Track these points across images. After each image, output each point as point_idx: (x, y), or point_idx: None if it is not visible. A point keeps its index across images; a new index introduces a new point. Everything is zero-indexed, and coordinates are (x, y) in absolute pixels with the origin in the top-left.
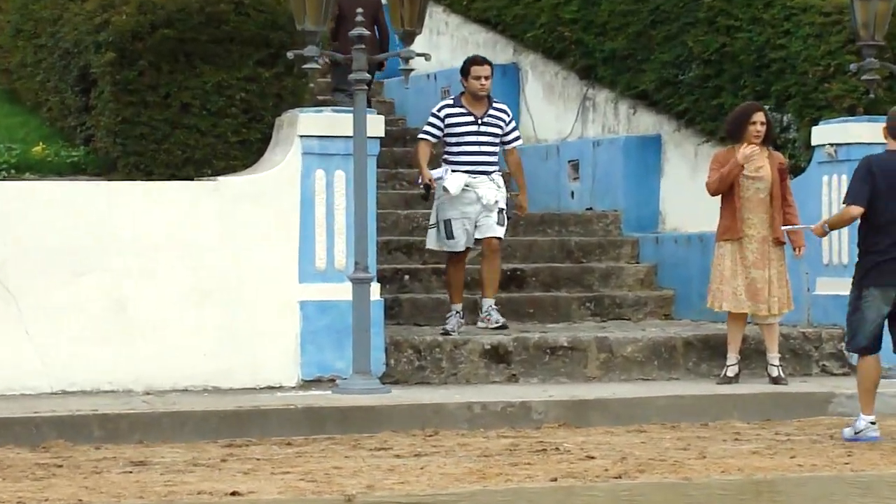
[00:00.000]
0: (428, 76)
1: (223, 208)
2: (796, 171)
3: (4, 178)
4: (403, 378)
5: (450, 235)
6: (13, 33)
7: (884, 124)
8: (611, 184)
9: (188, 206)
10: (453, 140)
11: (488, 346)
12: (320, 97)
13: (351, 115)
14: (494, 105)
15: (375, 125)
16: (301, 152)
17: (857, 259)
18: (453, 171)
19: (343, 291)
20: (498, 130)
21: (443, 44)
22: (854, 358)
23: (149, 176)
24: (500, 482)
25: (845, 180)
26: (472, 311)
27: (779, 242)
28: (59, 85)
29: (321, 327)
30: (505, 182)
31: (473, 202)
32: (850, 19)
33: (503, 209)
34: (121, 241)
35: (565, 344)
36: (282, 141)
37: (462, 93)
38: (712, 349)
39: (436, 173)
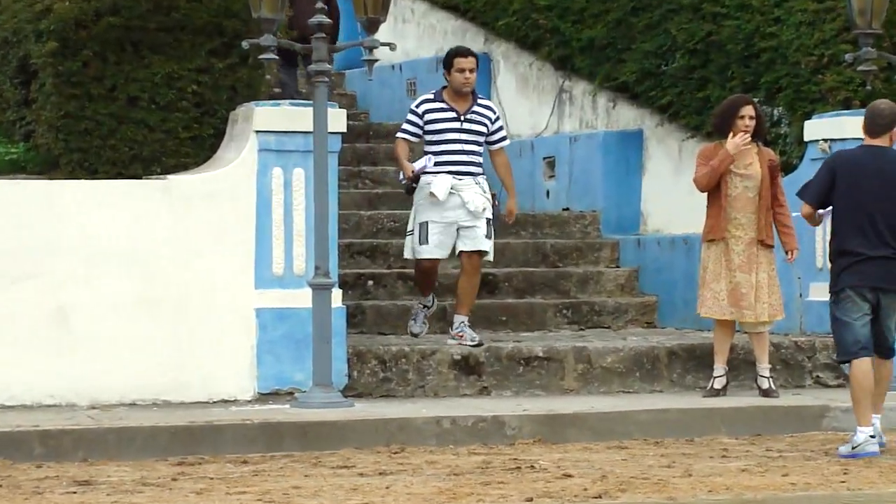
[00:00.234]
0: (393, 67)
1: (173, 209)
2: (788, 168)
3: None
4: (367, 391)
5: (423, 240)
6: None
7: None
8: (589, 182)
9: (135, 206)
10: (433, 138)
11: (458, 357)
12: (277, 90)
13: (310, 109)
14: (479, 102)
15: (336, 120)
16: (257, 149)
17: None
18: (436, 162)
19: (302, 298)
20: (483, 129)
21: (409, 32)
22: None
23: (93, 175)
24: (472, 502)
25: None
26: (442, 319)
27: (768, 245)
28: None
29: (279, 336)
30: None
31: (457, 207)
32: (846, 6)
33: (490, 219)
34: (63, 244)
35: (540, 354)
36: (236, 137)
37: (444, 87)
38: (698, 359)
39: (418, 164)
